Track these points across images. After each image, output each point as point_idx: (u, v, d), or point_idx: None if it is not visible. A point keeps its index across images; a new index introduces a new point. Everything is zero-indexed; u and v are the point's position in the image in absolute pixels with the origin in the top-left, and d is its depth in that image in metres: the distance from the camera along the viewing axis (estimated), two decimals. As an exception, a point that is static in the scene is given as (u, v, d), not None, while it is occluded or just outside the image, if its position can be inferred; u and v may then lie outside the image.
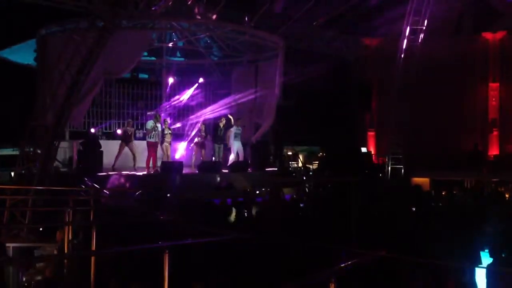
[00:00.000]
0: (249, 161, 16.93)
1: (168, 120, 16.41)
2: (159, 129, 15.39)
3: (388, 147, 19.32)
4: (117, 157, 15.41)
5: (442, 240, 6.99)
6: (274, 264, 6.35)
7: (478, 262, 6.85)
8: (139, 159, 15.78)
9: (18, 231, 10.43)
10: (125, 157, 15.75)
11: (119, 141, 15.75)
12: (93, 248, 6.42)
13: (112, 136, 17.72)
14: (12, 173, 14.09)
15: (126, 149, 15.62)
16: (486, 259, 6.88)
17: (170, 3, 14.45)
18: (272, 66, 17.54)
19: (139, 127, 18.53)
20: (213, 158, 16.80)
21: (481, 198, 13.00)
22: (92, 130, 16.91)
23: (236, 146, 16.74)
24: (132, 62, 15.50)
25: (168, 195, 12.17)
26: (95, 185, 12.49)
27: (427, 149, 20.00)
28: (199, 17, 15.57)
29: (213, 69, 19.48)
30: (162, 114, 17.32)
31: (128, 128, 15.98)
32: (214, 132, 16.67)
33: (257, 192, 13.85)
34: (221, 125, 16.64)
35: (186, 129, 18.06)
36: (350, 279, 5.05)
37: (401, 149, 18.70)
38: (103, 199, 11.58)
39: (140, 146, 16.21)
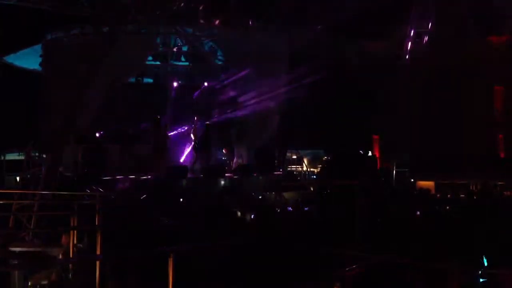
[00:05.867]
0: (254, 165, 16.91)
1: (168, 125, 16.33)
2: (163, 130, 15.45)
3: (393, 151, 19.27)
4: (120, 161, 15.42)
5: (447, 243, 6.98)
6: (279, 268, 6.35)
7: (480, 264, 6.83)
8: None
9: (24, 235, 10.45)
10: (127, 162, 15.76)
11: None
12: (98, 252, 6.45)
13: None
14: (18, 178, 14.15)
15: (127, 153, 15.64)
16: (488, 261, 6.87)
17: (174, 8, 14.52)
18: (276, 70, 17.54)
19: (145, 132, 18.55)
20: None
21: (487, 201, 12.96)
22: (97, 135, 16.94)
23: (242, 150, 16.72)
24: (137, 66, 15.57)
25: (174, 199, 12.19)
26: (100, 189, 12.51)
27: (432, 152, 19.94)
28: (203, 22, 15.63)
29: (217, 73, 19.50)
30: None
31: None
32: (202, 138, 16.42)
33: (260, 197, 13.83)
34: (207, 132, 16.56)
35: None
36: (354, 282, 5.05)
37: (406, 152, 18.65)
38: (109, 204, 11.59)
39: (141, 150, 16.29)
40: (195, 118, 17.17)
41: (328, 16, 18.13)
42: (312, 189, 15.73)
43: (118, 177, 14.54)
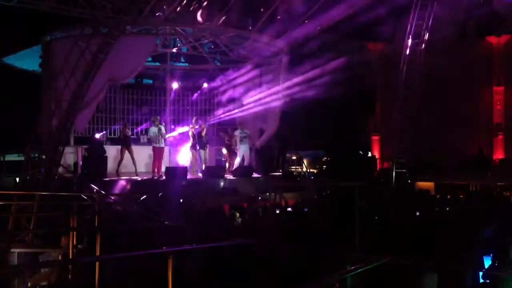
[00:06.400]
0: (254, 166, 16.91)
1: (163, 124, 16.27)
2: (163, 130, 15.44)
3: (392, 151, 19.27)
4: (119, 162, 15.45)
5: (447, 244, 6.97)
6: (277, 269, 6.35)
7: (481, 266, 6.84)
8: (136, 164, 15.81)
9: (23, 237, 10.45)
10: (127, 162, 15.76)
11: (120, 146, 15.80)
12: (98, 253, 6.44)
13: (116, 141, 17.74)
14: (17, 179, 14.15)
15: (127, 153, 15.62)
16: (488, 263, 6.87)
17: (174, 9, 14.51)
18: (276, 70, 17.56)
19: (143, 133, 18.61)
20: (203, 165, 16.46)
21: (486, 202, 12.97)
22: (97, 136, 16.94)
23: (242, 150, 16.71)
24: (137, 67, 15.57)
25: (173, 200, 12.17)
26: (100, 190, 12.51)
27: (432, 153, 19.96)
28: (202, 23, 15.63)
29: (217, 74, 19.51)
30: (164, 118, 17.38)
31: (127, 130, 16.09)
32: (198, 139, 16.29)
33: (259, 198, 13.82)
34: (203, 132, 16.36)
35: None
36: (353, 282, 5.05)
37: (405, 153, 18.64)
38: (109, 204, 11.60)
39: (140, 151, 16.33)
40: (194, 119, 17.18)
41: (327, 16, 18.13)
42: (312, 190, 15.70)
43: (117, 178, 14.55)
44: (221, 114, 18.71)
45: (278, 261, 6.49)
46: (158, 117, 16.28)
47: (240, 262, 6.48)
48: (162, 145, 15.46)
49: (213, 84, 19.71)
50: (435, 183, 18.21)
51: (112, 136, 18.52)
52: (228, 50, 18.27)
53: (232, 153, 17.02)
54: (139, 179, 14.86)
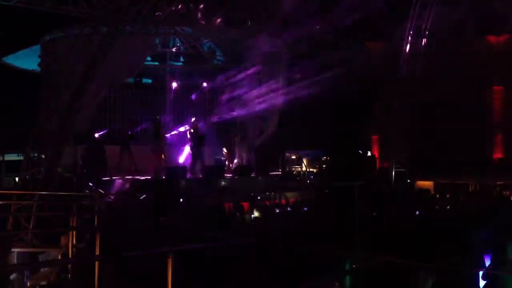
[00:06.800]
0: (253, 165, 16.91)
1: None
2: (162, 130, 15.44)
3: (392, 150, 19.27)
4: (119, 162, 15.45)
5: (447, 243, 6.97)
6: (277, 269, 6.35)
7: (481, 265, 6.83)
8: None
9: (23, 236, 10.45)
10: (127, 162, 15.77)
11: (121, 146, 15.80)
12: (97, 252, 6.44)
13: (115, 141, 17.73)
14: (17, 179, 14.14)
15: (127, 153, 15.62)
16: (488, 262, 6.87)
17: (173, 9, 14.51)
18: (275, 70, 17.55)
19: (143, 132, 18.61)
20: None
21: (486, 201, 12.97)
22: (97, 135, 16.94)
23: (242, 150, 16.72)
24: (136, 67, 15.58)
25: (173, 200, 12.17)
26: (100, 189, 12.51)
27: (431, 152, 19.95)
28: (202, 22, 15.63)
29: (217, 74, 19.50)
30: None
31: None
32: (194, 138, 16.21)
33: (258, 197, 13.82)
34: (197, 132, 16.16)
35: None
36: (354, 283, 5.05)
37: (405, 152, 18.64)
38: (109, 204, 11.60)
39: (140, 151, 16.33)
40: (193, 118, 17.18)
41: (328, 16, 18.13)
42: (311, 189, 15.73)
43: (117, 177, 14.54)
44: (221, 113, 18.70)
45: (278, 261, 6.49)
46: (158, 117, 16.28)
47: (240, 262, 6.48)
48: (162, 144, 15.46)
49: (213, 84, 19.69)
50: (435, 183, 18.22)
51: (112, 136, 18.50)
52: (227, 50, 18.26)
53: (232, 153, 17.02)
54: (139, 178, 14.86)
